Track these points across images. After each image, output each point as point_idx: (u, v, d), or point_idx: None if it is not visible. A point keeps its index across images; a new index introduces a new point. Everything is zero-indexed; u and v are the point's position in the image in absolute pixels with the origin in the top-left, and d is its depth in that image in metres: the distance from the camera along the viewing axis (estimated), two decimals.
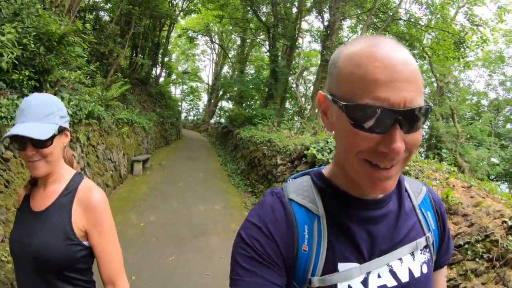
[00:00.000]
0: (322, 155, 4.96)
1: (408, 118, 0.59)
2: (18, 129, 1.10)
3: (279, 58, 15.72)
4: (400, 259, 0.73)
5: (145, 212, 6.23)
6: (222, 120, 27.58)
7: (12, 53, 3.93)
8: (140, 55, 15.20)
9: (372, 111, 0.58)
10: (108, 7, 12.80)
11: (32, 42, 4.38)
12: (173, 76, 30.62)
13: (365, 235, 0.71)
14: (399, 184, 0.80)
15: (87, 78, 6.93)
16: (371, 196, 0.72)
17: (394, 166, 0.62)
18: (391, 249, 0.72)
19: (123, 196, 7.26)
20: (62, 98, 5.26)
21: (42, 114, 1.16)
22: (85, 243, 1.21)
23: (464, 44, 12.03)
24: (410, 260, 0.74)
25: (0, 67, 3.81)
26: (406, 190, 0.81)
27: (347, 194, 0.73)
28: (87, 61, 7.92)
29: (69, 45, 5.44)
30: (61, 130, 1.22)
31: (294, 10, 17.18)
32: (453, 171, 4.06)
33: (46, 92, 4.97)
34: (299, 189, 0.77)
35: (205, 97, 38.93)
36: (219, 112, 33.96)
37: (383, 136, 0.59)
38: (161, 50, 18.89)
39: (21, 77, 4.17)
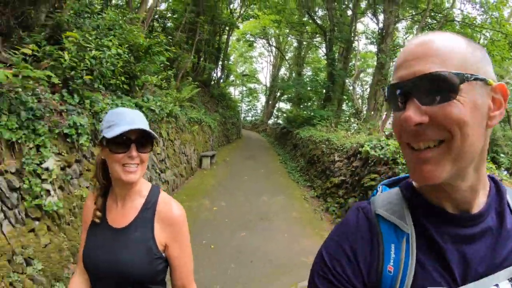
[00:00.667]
0: (375, 151, 5.46)
1: (420, 87, 0.58)
2: (131, 125, 1.12)
3: (336, 61, 16.01)
4: (497, 285, 0.64)
5: (216, 199, 7.19)
6: (280, 121, 28.36)
7: (115, 64, 4.98)
8: (202, 59, 16.49)
9: (390, 91, 0.62)
10: (174, 17, 14.26)
11: (126, 53, 5.46)
12: (231, 78, 32.03)
13: (458, 255, 0.64)
14: (500, 197, 0.70)
15: (163, 82, 8.10)
16: (463, 208, 0.66)
17: (430, 148, 0.59)
18: (488, 273, 0.64)
19: (195, 185, 8.35)
20: (148, 100, 6.36)
21: (144, 121, 1.19)
22: (163, 254, 1.23)
23: None
24: (508, 287, 0.64)
25: (103, 74, 4.83)
26: (508, 205, 0.70)
27: (439, 209, 0.67)
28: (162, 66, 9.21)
29: (154, 54, 6.54)
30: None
31: (349, 12, 17.37)
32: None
33: (135, 94, 6.13)
34: (387, 203, 0.72)
35: (262, 99, 40.08)
36: (276, 113, 34.70)
37: (403, 112, 0.60)
38: (222, 54, 20.19)
39: (117, 82, 5.15)
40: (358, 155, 6.32)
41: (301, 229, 5.83)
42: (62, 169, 3.47)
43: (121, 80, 5.28)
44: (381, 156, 5.21)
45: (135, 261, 1.15)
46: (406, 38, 17.29)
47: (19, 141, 2.89)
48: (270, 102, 33.43)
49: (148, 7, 9.59)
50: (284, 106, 34.79)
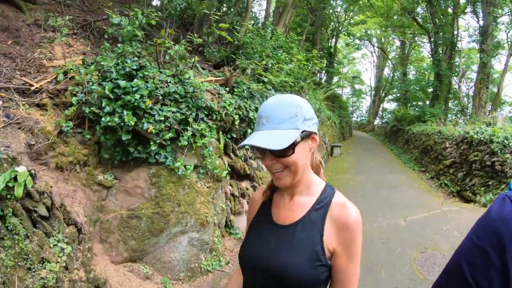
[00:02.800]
0: (477, 135, 7.89)
1: None
2: (252, 139, 1.01)
3: (442, 61, 17.43)
4: None
5: (355, 174, 10.30)
6: (384, 120, 29.80)
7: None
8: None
9: None
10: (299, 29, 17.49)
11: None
12: (335, 79, 34.16)
13: None
14: None
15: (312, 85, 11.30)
16: None
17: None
18: None
19: (335, 166, 11.59)
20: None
21: (281, 119, 1.01)
22: (329, 262, 1.06)
23: None
24: None
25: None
26: None
27: None
28: None
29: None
30: (306, 135, 1.05)
31: (450, 10, 18.22)
32: None
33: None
34: None
35: (366, 99, 41.35)
36: (381, 113, 35.81)
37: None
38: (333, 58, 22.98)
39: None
40: (465, 140, 8.70)
41: (423, 193, 8.53)
42: None
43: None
44: (481, 138, 7.66)
45: (296, 264, 1.02)
46: (509, 34, 17.55)
47: None
48: (375, 103, 34.87)
49: (284, 22, 12.72)
50: (389, 106, 35.83)
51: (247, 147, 1.21)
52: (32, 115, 3.18)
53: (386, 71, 34.82)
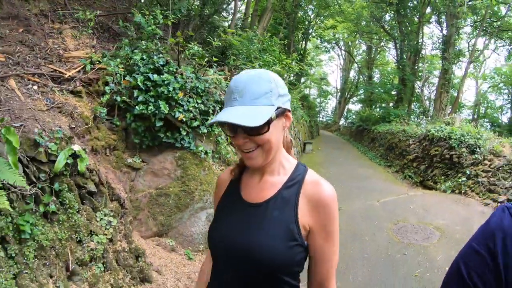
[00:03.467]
0: (437, 133, 8.96)
1: None
2: (225, 115, 0.93)
3: (406, 67, 18.92)
4: None
5: (328, 168, 11.14)
6: (349, 121, 31.35)
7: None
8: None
9: None
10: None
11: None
12: (302, 79, 35.16)
13: None
14: None
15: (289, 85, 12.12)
16: None
17: None
18: None
19: (308, 161, 12.31)
20: None
21: (255, 94, 0.94)
22: (306, 243, 1.01)
23: None
24: None
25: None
26: None
27: None
28: None
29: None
30: (280, 112, 0.99)
31: (416, 19, 19.55)
32: None
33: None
34: None
35: (332, 100, 42.92)
36: (345, 114, 37.51)
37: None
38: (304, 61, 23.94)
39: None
40: (427, 137, 9.79)
41: (390, 183, 9.50)
42: None
43: None
44: (441, 135, 8.74)
45: (272, 244, 0.96)
46: (470, 43, 19.51)
47: None
48: (341, 104, 36.46)
49: (263, 25, 13.17)
50: (353, 107, 37.59)
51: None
52: (69, 100, 3.48)
53: (352, 74, 36.41)
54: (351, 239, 4.92)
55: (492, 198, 6.27)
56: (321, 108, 43.69)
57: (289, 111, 1.03)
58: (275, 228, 0.98)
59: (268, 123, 0.94)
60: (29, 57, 4.00)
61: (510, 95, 25.28)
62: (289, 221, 0.99)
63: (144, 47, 3.99)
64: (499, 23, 15.75)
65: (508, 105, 25.73)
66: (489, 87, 27.21)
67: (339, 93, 37.65)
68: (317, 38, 24.47)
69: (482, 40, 19.47)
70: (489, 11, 15.00)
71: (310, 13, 22.43)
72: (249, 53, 7.13)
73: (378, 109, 23.52)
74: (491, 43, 19.75)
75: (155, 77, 3.57)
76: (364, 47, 32.35)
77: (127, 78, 3.62)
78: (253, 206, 1.05)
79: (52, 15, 5.20)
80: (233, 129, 0.97)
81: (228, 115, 0.92)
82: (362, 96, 30.17)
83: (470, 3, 15.19)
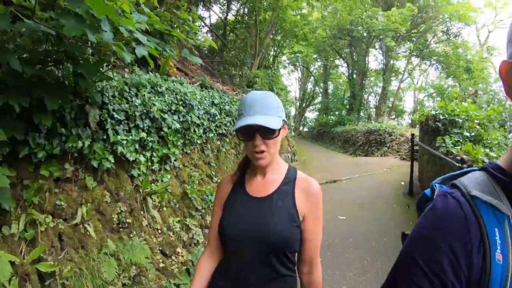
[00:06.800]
0: (373, 127, 15.30)
1: None
2: (251, 120, 1.18)
3: (356, 84, 24.84)
4: None
5: (308, 155, 16.76)
6: (310, 126, 36.68)
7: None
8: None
9: None
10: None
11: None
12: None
13: None
14: None
15: None
16: None
17: None
18: None
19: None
20: None
21: (268, 107, 1.23)
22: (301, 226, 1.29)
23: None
24: None
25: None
26: None
27: None
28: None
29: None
30: (283, 124, 1.28)
31: (364, 45, 24.95)
32: None
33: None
34: (476, 184, 0.67)
35: (291, 109, 47.65)
36: (303, 121, 41.56)
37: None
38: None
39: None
40: (368, 131, 16.09)
41: (347, 157, 15.35)
42: None
43: None
44: (375, 128, 15.23)
45: (282, 226, 1.22)
46: (407, 65, 25.43)
47: None
48: (300, 112, 40.47)
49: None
50: (310, 115, 42.22)
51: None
52: None
53: (309, 86, 40.14)
54: (327, 174, 10.44)
55: (398, 156, 12.43)
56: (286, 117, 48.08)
57: (286, 123, 1.34)
58: (281, 213, 1.25)
59: (279, 129, 1.25)
60: None
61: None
62: (290, 208, 1.27)
63: None
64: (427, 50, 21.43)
65: None
66: (424, 96, 32.95)
67: (298, 103, 42.52)
68: (283, 61, 29.86)
69: (416, 60, 24.75)
70: (420, 39, 20.65)
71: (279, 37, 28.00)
72: (268, 82, 12.59)
73: (332, 116, 29.61)
74: (424, 64, 25.46)
75: None
76: (319, 63, 35.66)
77: None
78: (261, 199, 1.31)
79: None
80: (251, 134, 1.22)
81: (253, 120, 1.19)
82: (319, 106, 35.68)
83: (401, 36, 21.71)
